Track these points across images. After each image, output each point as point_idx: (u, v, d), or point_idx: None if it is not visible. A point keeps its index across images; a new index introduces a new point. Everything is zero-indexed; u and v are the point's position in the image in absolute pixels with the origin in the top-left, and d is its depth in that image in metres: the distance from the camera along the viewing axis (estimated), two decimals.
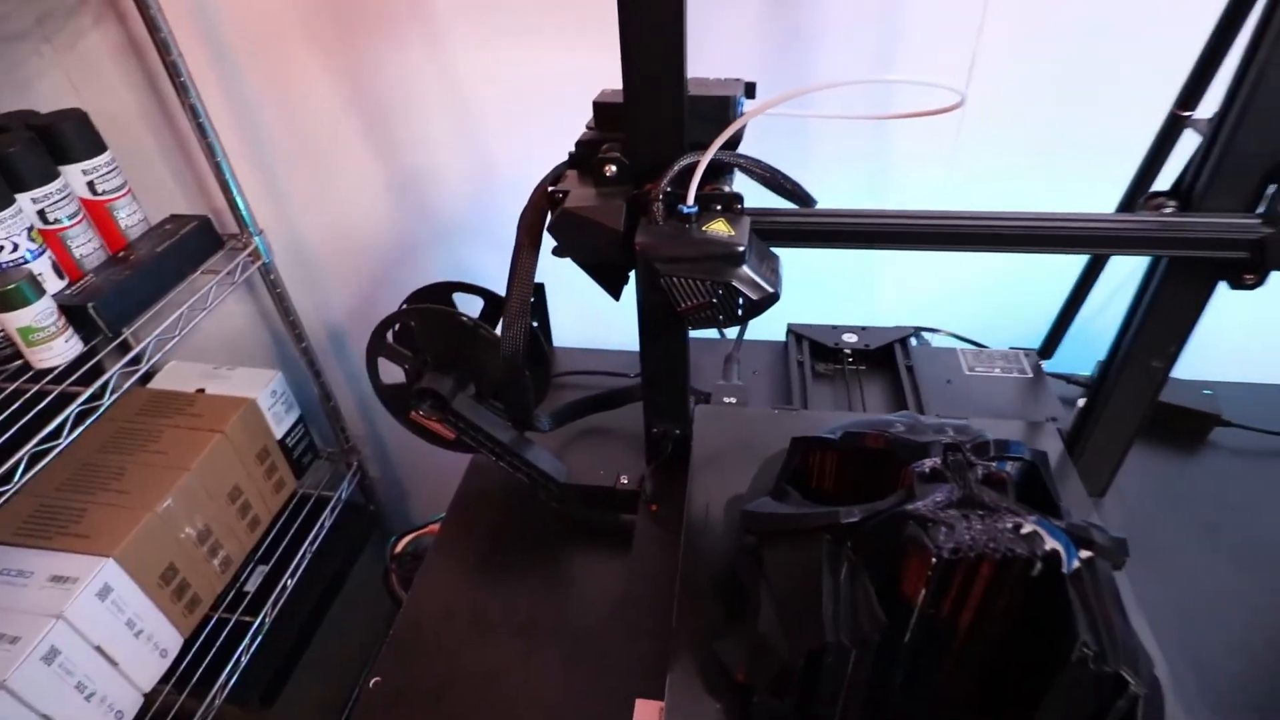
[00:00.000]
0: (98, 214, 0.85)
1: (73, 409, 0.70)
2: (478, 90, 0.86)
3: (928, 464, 0.38)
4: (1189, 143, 0.52)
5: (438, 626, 0.59)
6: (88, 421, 0.72)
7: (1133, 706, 0.33)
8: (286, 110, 0.92)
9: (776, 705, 0.39)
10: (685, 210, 0.43)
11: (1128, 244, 0.44)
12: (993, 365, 0.74)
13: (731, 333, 0.75)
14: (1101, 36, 0.73)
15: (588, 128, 0.51)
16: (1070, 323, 0.72)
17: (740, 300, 0.42)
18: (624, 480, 0.63)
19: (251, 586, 1.10)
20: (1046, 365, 0.77)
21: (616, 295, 0.53)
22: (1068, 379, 0.75)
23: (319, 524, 1.13)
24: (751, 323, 0.85)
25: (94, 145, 0.83)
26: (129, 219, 0.88)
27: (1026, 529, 0.35)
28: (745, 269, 0.42)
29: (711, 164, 0.47)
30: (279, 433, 1.11)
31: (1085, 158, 0.79)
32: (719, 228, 0.43)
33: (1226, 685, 0.52)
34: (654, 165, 0.45)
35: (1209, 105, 0.53)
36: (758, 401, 0.70)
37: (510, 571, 0.63)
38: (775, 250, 0.47)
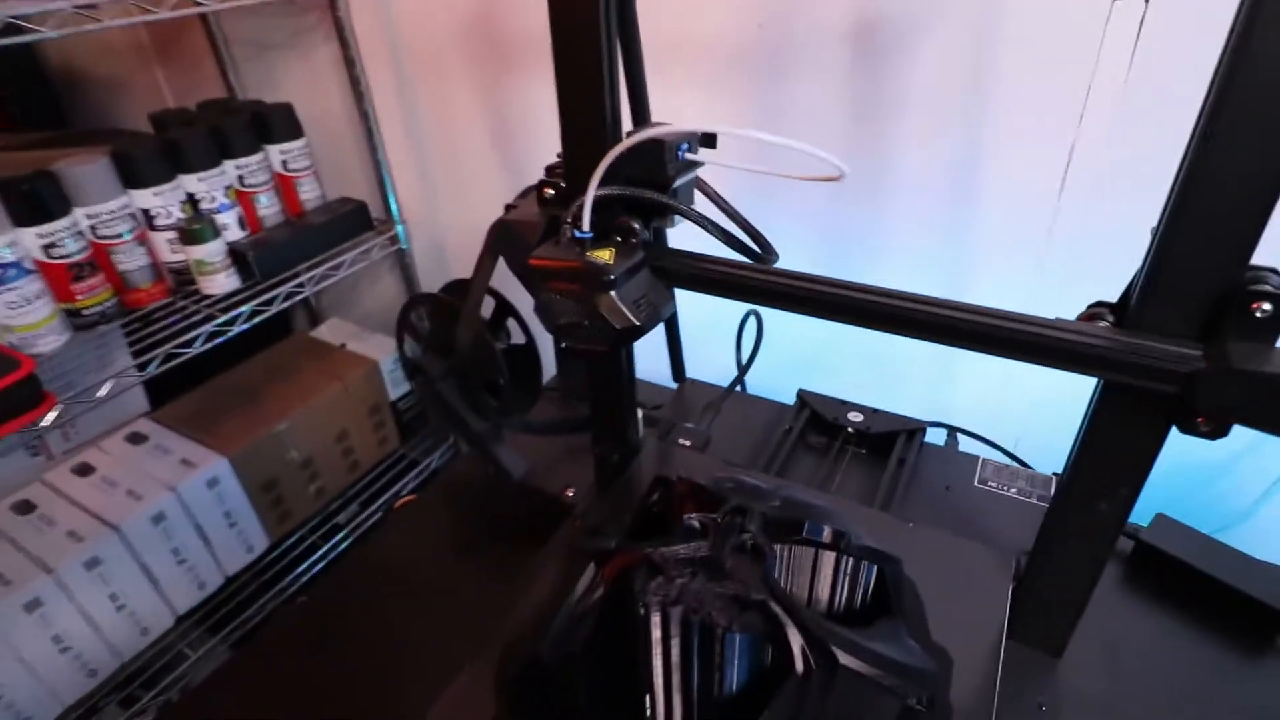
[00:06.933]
0: (285, 185, 1.06)
1: (205, 329, 0.89)
2: None
3: (696, 518, 0.37)
4: None
5: (372, 580, 0.66)
6: (216, 341, 0.90)
7: None
8: (443, 122, 1.07)
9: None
10: (579, 235, 0.46)
11: (1038, 353, 0.38)
12: (1011, 484, 0.64)
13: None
14: None
15: (558, 155, 0.55)
16: None
17: (604, 325, 0.44)
18: (569, 493, 0.66)
19: (343, 519, 1.27)
20: None
21: None
22: None
23: (403, 484, 1.28)
24: (772, 383, 0.84)
25: (293, 132, 1.05)
26: (308, 193, 1.09)
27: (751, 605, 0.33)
28: (612, 295, 0.44)
29: (656, 204, 0.49)
30: (394, 395, 1.27)
31: None
32: (603, 255, 0.45)
33: None
34: (580, 193, 0.48)
35: None
36: (729, 452, 0.68)
37: (456, 550, 0.68)
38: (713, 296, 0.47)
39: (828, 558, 0.40)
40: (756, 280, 0.45)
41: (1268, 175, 0.32)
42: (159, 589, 0.97)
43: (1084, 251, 0.73)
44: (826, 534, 0.38)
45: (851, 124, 0.79)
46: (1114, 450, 0.41)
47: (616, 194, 0.46)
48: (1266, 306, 0.34)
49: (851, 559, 0.40)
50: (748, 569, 0.34)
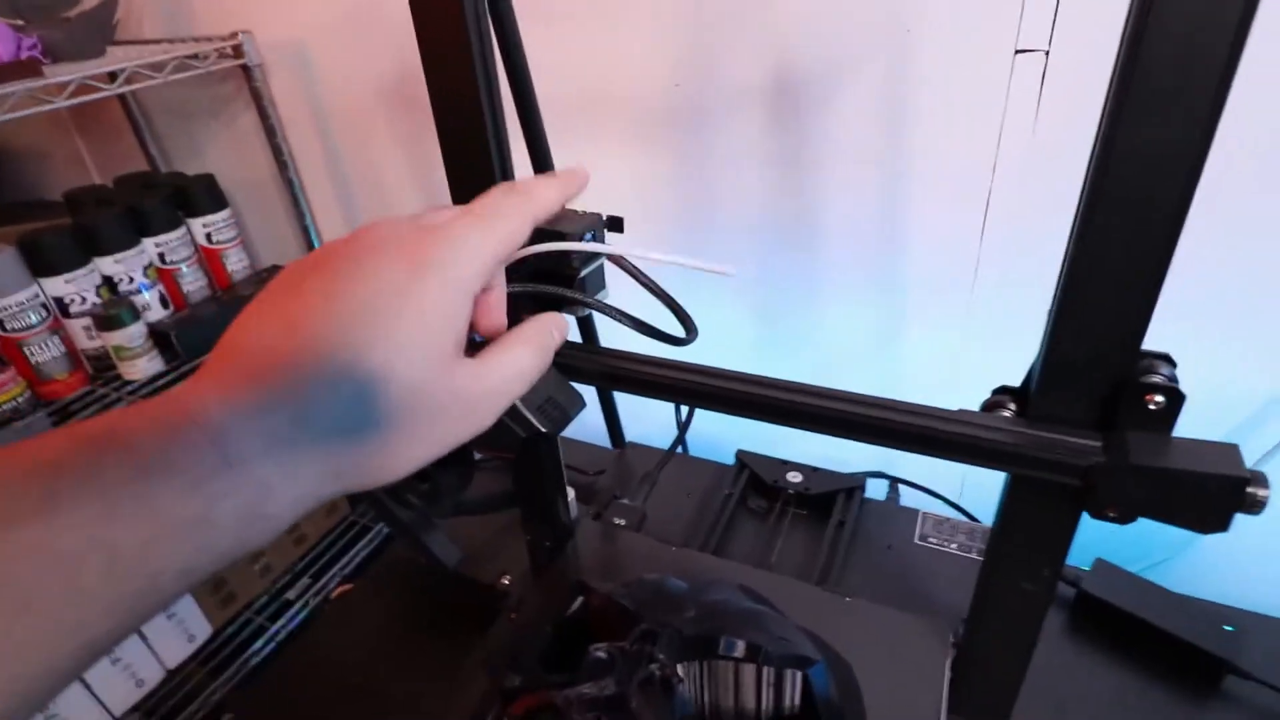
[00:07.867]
0: (211, 258, 1.03)
1: None
2: None
3: (603, 650, 0.35)
4: None
5: (306, 686, 0.63)
6: None
7: None
8: (371, 184, 1.06)
9: None
10: (478, 339, 0.44)
11: (941, 448, 0.37)
12: (951, 539, 0.64)
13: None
14: None
15: None
16: None
17: (509, 432, 0.42)
18: (505, 580, 0.64)
19: (293, 595, 1.22)
20: None
21: None
22: None
23: (354, 551, 1.24)
24: (711, 441, 0.83)
25: (216, 204, 1.02)
26: (236, 264, 1.06)
27: None
28: (515, 401, 0.42)
29: (561, 299, 0.48)
30: None
31: None
32: None
33: None
34: None
35: None
36: (667, 524, 0.66)
37: (393, 647, 0.66)
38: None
39: (749, 668, 0.38)
40: (664, 377, 0.44)
41: (1149, 264, 0.32)
42: (92, 692, 0.92)
43: (1010, 291, 0.74)
44: (740, 649, 0.37)
45: (776, 172, 0.79)
46: (1028, 537, 0.41)
47: (517, 291, 0.44)
48: (1159, 398, 0.33)
49: (772, 668, 0.38)
50: (656, 705, 0.33)
